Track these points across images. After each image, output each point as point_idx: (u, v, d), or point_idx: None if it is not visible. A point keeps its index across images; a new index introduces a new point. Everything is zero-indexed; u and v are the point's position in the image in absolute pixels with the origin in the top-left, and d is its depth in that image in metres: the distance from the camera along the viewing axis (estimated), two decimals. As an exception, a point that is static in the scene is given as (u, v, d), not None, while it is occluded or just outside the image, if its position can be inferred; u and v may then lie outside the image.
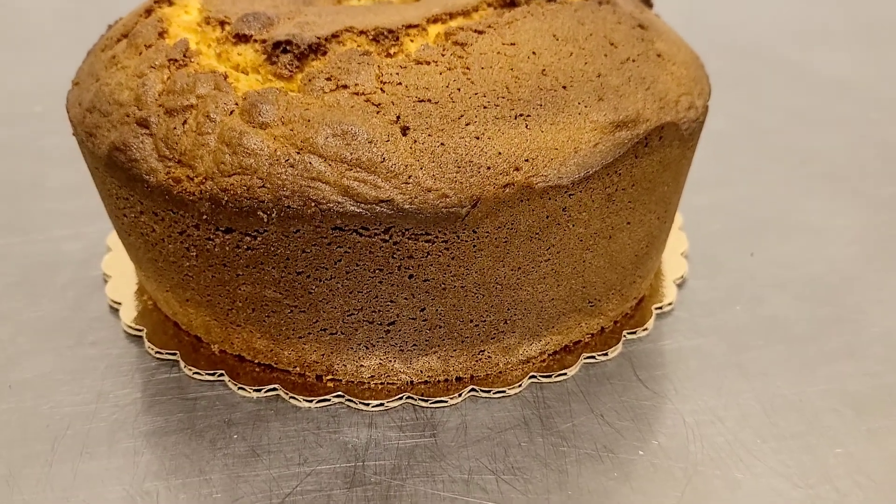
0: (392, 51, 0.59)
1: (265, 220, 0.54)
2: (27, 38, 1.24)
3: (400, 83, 0.56)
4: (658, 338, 0.68)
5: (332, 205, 0.53)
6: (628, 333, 0.68)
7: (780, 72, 1.17)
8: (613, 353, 0.66)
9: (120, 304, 0.71)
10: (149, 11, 0.67)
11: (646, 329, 0.68)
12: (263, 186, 0.53)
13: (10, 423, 0.59)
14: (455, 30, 0.60)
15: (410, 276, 0.56)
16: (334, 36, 0.60)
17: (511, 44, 0.59)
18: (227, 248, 0.57)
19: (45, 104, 1.05)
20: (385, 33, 0.60)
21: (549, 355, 0.65)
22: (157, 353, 0.66)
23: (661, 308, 0.71)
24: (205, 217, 0.56)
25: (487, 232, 0.55)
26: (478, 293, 0.58)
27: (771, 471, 0.56)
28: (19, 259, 0.77)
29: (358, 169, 0.53)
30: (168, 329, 0.68)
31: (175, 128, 0.56)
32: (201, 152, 0.55)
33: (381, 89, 0.56)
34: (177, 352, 0.65)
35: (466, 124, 0.55)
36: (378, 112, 0.55)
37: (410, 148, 0.54)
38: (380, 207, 0.53)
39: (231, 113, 0.56)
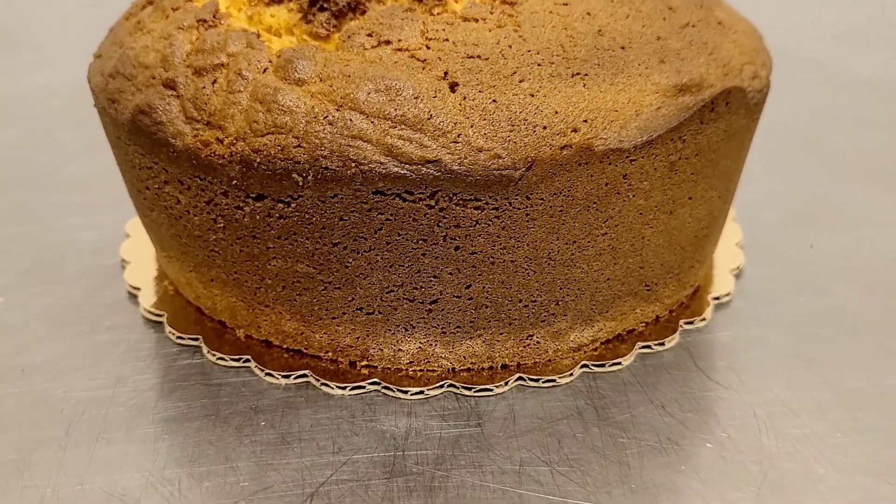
0: (435, 11, 0.56)
1: (300, 183, 0.49)
2: (46, 37, 1.22)
3: (447, 39, 0.52)
4: (716, 328, 0.63)
5: (374, 165, 0.48)
6: (685, 323, 0.62)
7: (817, 73, 1.13)
8: (671, 342, 0.61)
9: (139, 289, 0.66)
10: (176, -22, 0.63)
11: (704, 319, 0.63)
12: (299, 146, 0.49)
13: (21, 407, 0.55)
14: (503, -10, 0.56)
15: (457, 248, 0.52)
16: (374, -6, 0.56)
17: (563, 3, 0.55)
18: (258, 218, 0.53)
19: (62, 100, 1.02)
20: (428, -7, 0.56)
21: (602, 344, 0.60)
22: (178, 338, 0.61)
23: (718, 298, 0.65)
24: (234, 182, 0.51)
25: (542, 199, 0.51)
26: (528, 269, 0.53)
27: (856, 466, 0.50)
28: (31, 247, 0.73)
29: (403, 126, 0.49)
30: (190, 314, 0.63)
31: (204, 87, 0.52)
32: (232, 111, 0.51)
33: (427, 45, 0.52)
34: (199, 337, 0.61)
35: (520, 81, 0.50)
36: (424, 68, 0.51)
37: (460, 105, 0.49)
38: (426, 168, 0.48)
39: (265, 70, 0.52)
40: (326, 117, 0.49)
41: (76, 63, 1.08)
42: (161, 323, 0.63)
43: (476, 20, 0.53)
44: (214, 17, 0.57)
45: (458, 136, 0.49)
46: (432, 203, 0.50)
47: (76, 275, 0.69)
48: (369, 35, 0.52)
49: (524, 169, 0.49)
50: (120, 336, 0.62)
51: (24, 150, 0.91)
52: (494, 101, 0.50)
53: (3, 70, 1.11)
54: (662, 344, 0.60)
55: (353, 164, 0.49)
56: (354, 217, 0.51)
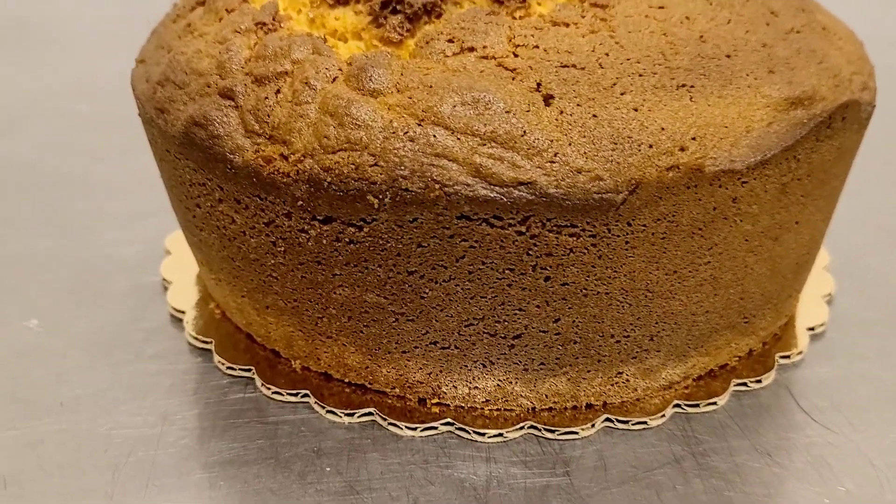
0: (517, 14, 0.50)
1: (376, 205, 0.44)
2: (72, 36, 1.17)
3: (537, 46, 0.47)
4: (814, 363, 0.58)
5: (460, 187, 0.43)
6: (781, 357, 0.57)
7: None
8: (767, 379, 0.55)
9: (183, 312, 0.61)
10: (228, -23, 0.58)
11: (801, 352, 0.58)
12: (376, 164, 0.44)
13: (64, 447, 0.50)
14: (592, -9, 0.51)
15: (547, 279, 0.47)
16: (451, -4, 0.51)
17: (659, 7, 0.50)
18: (325, 242, 0.47)
19: (91, 102, 0.97)
20: (511, -7, 0.50)
21: (694, 380, 0.54)
22: (228, 368, 0.56)
23: (812, 329, 0.60)
24: (300, 203, 0.46)
25: (644, 225, 0.45)
26: (624, 302, 0.48)
27: None
28: (66, 264, 0.68)
29: (493, 144, 0.43)
30: (240, 342, 0.58)
31: (266, 98, 0.47)
32: (299, 125, 0.46)
33: (515, 53, 0.47)
34: (252, 368, 0.56)
35: (621, 93, 0.45)
36: (514, 78, 0.45)
37: (556, 120, 0.44)
38: (518, 191, 0.43)
39: (334, 80, 0.47)
40: (407, 133, 0.44)
41: (104, 62, 1.04)
42: (209, 351, 0.58)
43: (567, 25, 0.48)
44: (274, 19, 0.52)
45: (555, 155, 0.43)
46: (523, 230, 0.45)
47: (115, 295, 0.65)
48: (450, 41, 0.47)
49: (627, 192, 0.44)
50: (165, 365, 0.57)
51: (52, 153, 0.86)
52: (595, 115, 0.44)
53: (29, 67, 1.07)
54: (759, 381, 0.55)
55: (437, 186, 0.43)
56: (434, 244, 0.46)
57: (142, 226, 0.73)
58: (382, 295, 0.48)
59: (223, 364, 0.56)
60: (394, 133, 0.44)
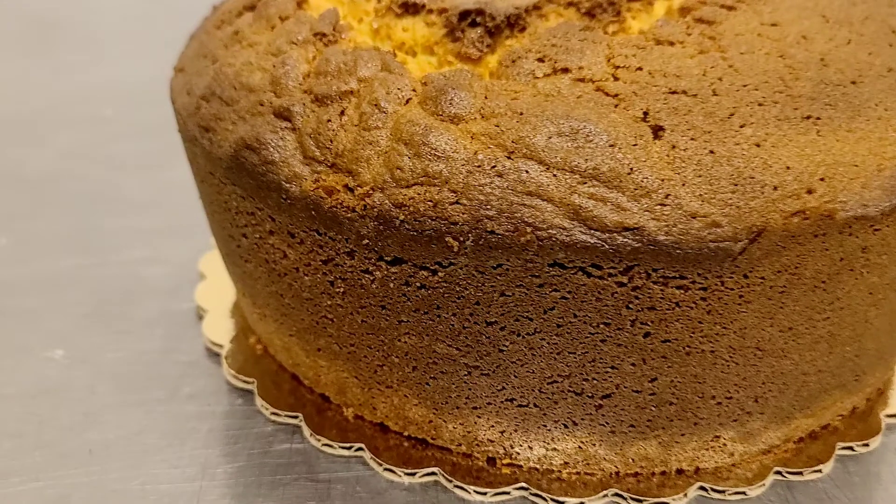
0: (610, 29, 0.44)
1: (456, 248, 0.39)
2: (93, 37, 1.12)
3: (640, 68, 0.41)
4: (923, 421, 0.52)
5: (555, 231, 0.37)
6: (887, 416, 0.51)
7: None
8: (875, 443, 0.49)
9: (221, 346, 0.56)
10: (279, -21, 0.53)
11: (908, 410, 0.52)
12: (457, 202, 0.38)
13: (93, 502, 0.45)
14: (695, 4, 0.45)
15: (646, 335, 0.41)
16: (535, 7, 0.45)
17: (772, 24, 0.44)
18: (391, 286, 0.42)
19: (115, 107, 0.92)
20: (603, 5, 0.45)
21: (794, 443, 0.48)
22: (272, 413, 0.51)
23: (917, 381, 0.54)
24: (366, 242, 0.41)
25: (762, 278, 0.39)
26: (730, 361, 0.42)
27: None
28: (94, 285, 0.63)
29: (595, 182, 0.38)
30: (284, 382, 0.53)
31: (329, 120, 0.42)
32: (367, 153, 0.40)
33: (615, 76, 0.41)
34: (299, 414, 0.50)
35: (741, 126, 0.39)
36: (617, 105, 0.39)
37: (667, 156, 0.38)
38: (623, 238, 0.37)
39: (408, 101, 0.41)
40: (494, 167, 0.38)
41: (135, 63, 0.99)
42: (250, 392, 0.53)
43: (672, 43, 0.42)
44: (335, 30, 0.46)
45: (667, 196, 0.38)
46: (624, 280, 0.39)
47: (146, 322, 0.59)
48: (540, 60, 0.41)
49: (747, 241, 0.38)
50: (203, 407, 0.52)
51: (78, 162, 0.81)
52: (712, 152, 0.38)
53: (55, 69, 1.01)
54: (867, 444, 0.49)
55: (528, 229, 0.38)
56: (520, 293, 0.40)
57: (173, 244, 0.68)
58: (455, 346, 0.43)
59: (267, 409, 0.51)
60: (479, 166, 0.38)
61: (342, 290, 0.44)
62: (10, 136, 0.85)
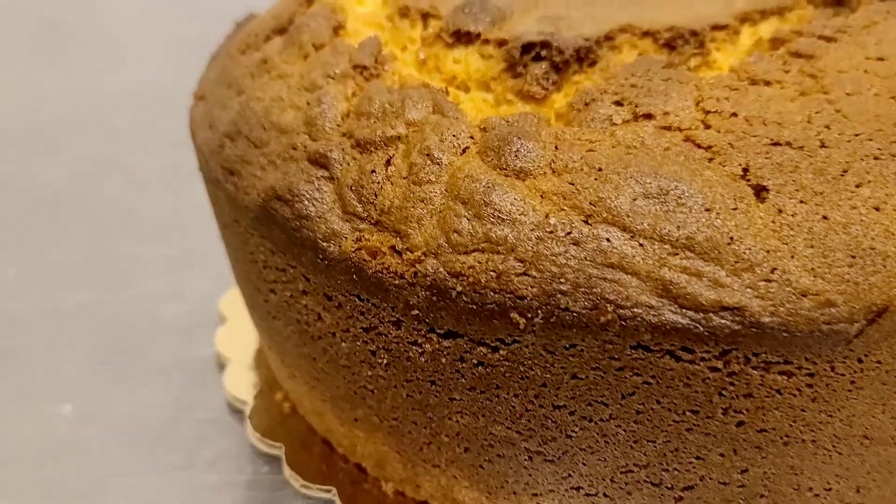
0: (692, 63, 0.39)
1: (522, 326, 0.33)
2: (106, 40, 1.06)
3: (735, 114, 0.35)
4: None
5: (641, 310, 0.32)
6: None
7: None
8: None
9: (245, 403, 0.51)
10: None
11: None
12: (526, 274, 0.33)
13: None
14: (788, 34, 0.39)
15: (740, 424, 0.35)
16: (607, 38, 0.39)
17: (879, 58, 0.38)
18: (444, 361, 0.36)
19: (130, 116, 0.86)
20: (685, 36, 0.39)
21: (890, 529, 0.43)
22: (303, 486, 0.46)
23: None
24: (416, 313, 0.35)
25: (878, 362, 0.34)
26: (833, 450, 0.37)
27: None
28: (106, 325, 0.58)
29: (688, 254, 0.32)
30: (314, 446, 0.48)
31: (373, 171, 0.36)
32: (418, 212, 0.35)
33: (706, 123, 0.35)
34: (332, 488, 0.45)
35: (857, 185, 0.33)
36: (711, 160, 0.34)
37: (773, 222, 0.33)
38: (720, 318, 0.32)
39: (465, 151, 0.36)
40: (569, 233, 0.33)
41: (151, 70, 0.93)
42: (277, 458, 0.48)
43: (768, 83, 0.37)
44: (377, 61, 0.41)
45: (773, 271, 0.32)
46: (719, 365, 0.33)
47: (162, 370, 0.54)
48: (618, 103, 0.36)
49: (865, 322, 0.32)
50: (225, 476, 0.47)
51: (90, 178, 0.76)
52: (825, 217, 0.33)
53: (67, 75, 0.96)
54: (973, 530, 0.43)
55: (610, 308, 0.32)
56: (595, 376, 0.34)
57: (192, 276, 0.63)
58: (515, 429, 0.37)
59: (296, 480, 0.46)
60: (551, 233, 0.33)
61: (385, 360, 0.39)
62: (20, 148, 0.80)
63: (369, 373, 0.40)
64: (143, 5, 1.13)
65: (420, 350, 0.37)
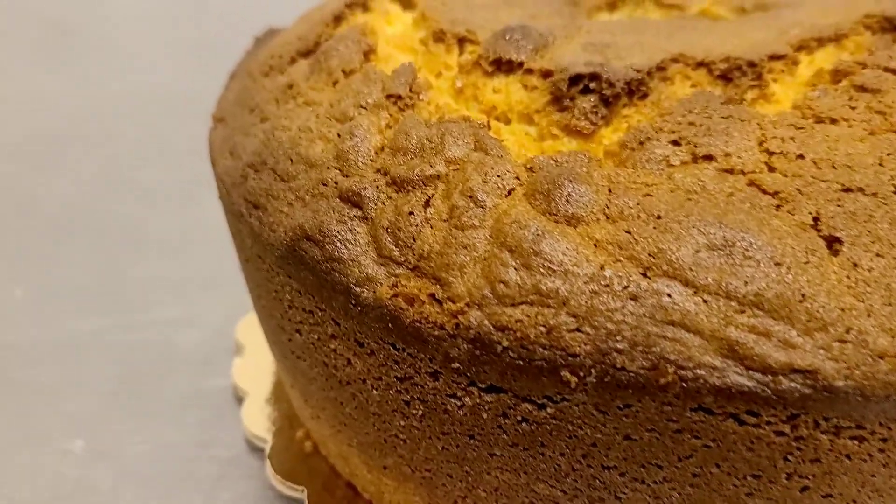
0: (749, 96, 0.36)
1: (573, 384, 0.31)
2: (115, 43, 1.03)
3: (801, 156, 0.33)
4: None
5: (703, 372, 0.30)
6: None
7: None
8: None
9: (264, 441, 0.48)
10: (338, 19, 0.45)
11: None
12: (578, 330, 0.30)
13: None
14: (851, 66, 0.37)
15: (804, 489, 0.33)
16: (658, 68, 0.37)
17: (949, 92, 0.36)
18: (485, 416, 0.34)
19: (141, 125, 0.84)
20: (742, 67, 0.36)
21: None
22: (327, 535, 0.43)
23: None
24: (456, 366, 0.33)
25: (957, 425, 0.31)
26: (900, 514, 0.34)
27: None
28: (118, 355, 0.56)
29: (756, 311, 0.30)
30: (338, 490, 0.46)
31: (411, 213, 0.34)
32: (461, 259, 0.32)
33: (770, 165, 0.33)
34: (358, 538, 0.43)
35: (937, 236, 0.31)
36: (779, 207, 0.31)
37: (848, 277, 0.30)
38: (790, 381, 0.29)
39: (510, 193, 0.33)
40: (626, 287, 0.30)
41: (162, 73, 0.91)
42: (300, 501, 0.45)
43: (834, 121, 0.34)
44: (411, 90, 0.38)
45: (848, 331, 0.29)
46: (786, 430, 0.31)
47: (177, 404, 0.52)
48: (675, 143, 0.33)
49: (947, 385, 0.30)
50: (244, 521, 0.44)
51: (99, 193, 0.73)
52: (904, 272, 0.30)
53: (73, 79, 0.93)
54: None
55: (670, 368, 0.30)
56: (650, 438, 0.32)
57: (208, 300, 0.60)
58: (560, 488, 0.35)
59: (320, 528, 0.43)
60: (607, 286, 0.30)
61: (420, 412, 0.36)
62: (25, 161, 0.78)
63: (402, 422, 0.37)
64: (152, 5, 1.11)
65: (459, 403, 0.35)
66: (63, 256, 0.66)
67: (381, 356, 0.36)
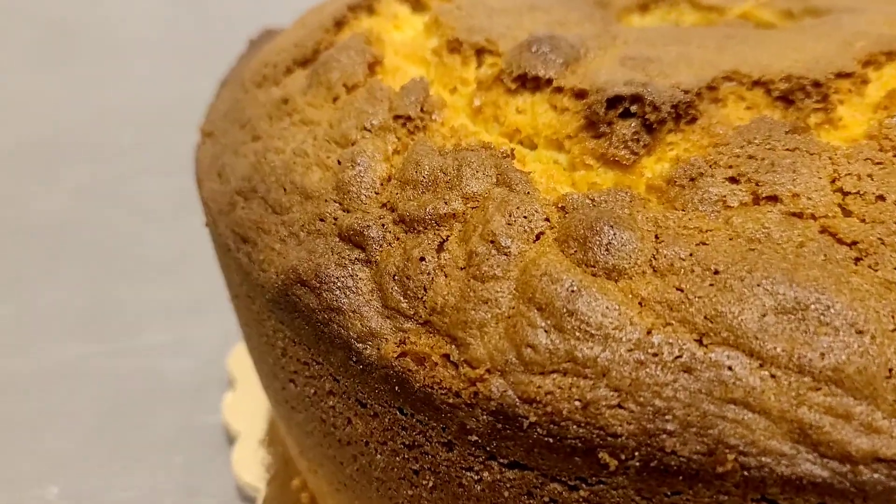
0: (812, 120, 0.31)
1: (613, 468, 0.26)
2: (112, 47, 0.98)
3: (881, 196, 0.28)
4: None
5: (770, 459, 0.25)
6: None
7: None
8: None
9: (257, 490, 0.44)
10: (340, 24, 0.40)
11: None
12: (621, 406, 0.26)
13: None
14: (930, 86, 0.32)
15: (880, 587, 0.28)
16: (709, 88, 0.32)
17: None
18: (507, 495, 0.29)
19: (136, 133, 0.79)
20: (806, 87, 0.31)
21: None
22: None
23: None
24: (474, 438, 0.28)
25: None
26: None
27: None
28: (103, 385, 0.51)
29: (834, 389, 0.25)
30: (337, 549, 0.41)
31: (422, 258, 0.29)
32: (480, 315, 0.28)
33: (845, 207, 0.28)
34: None
35: None
36: (859, 261, 0.27)
37: (944, 348, 0.25)
38: (874, 473, 0.25)
39: (538, 237, 0.28)
40: (679, 357, 0.25)
41: (155, 79, 0.86)
42: (295, 562, 0.41)
43: (915, 153, 0.29)
44: (423, 109, 0.33)
45: (944, 414, 0.25)
46: (862, 525, 0.26)
47: (164, 443, 0.48)
48: (733, 180, 0.28)
49: None
50: (234, 585, 0.40)
51: (91, 206, 0.69)
52: None
53: (71, 84, 0.89)
54: None
55: (730, 454, 0.25)
56: (702, 530, 0.27)
57: (199, 325, 0.56)
58: (591, 576, 0.30)
59: None
60: (655, 355, 0.26)
61: (431, 483, 0.31)
62: (16, 170, 0.73)
63: (409, 492, 0.33)
64: (152, 7, 1.06)
65: (476, 478, 0.30)
66: (46, 274, 0.61)
67: (387, 420, 0.31)
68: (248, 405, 0.48)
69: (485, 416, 0.28)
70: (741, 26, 0.40)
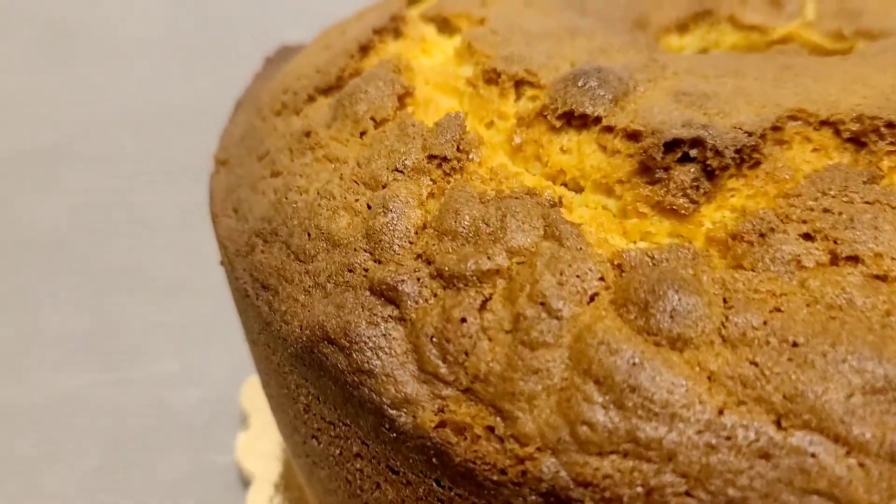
0: (885, 164, 0.29)
1: (679, 561, 0.23)
2: (114, 47, 0.95)
3: (974, 259, 0.25)
4: None
5: (858, 558, 0.22)
6: None
7: None
8: None
9: (273, 540, 0.41)
10: (365, 49, 0.37)
11: None
12: (689, 495, 0.23)
13: None
14: None
15: None
16: (774, 128, 0.29)
17: None
18: (554, 577, 0.27)
19: (139, 138, 0.76)
20: (879, 129, 0.29)
21: None
22: None
23: None
24: (521, 519, 0.26)
25: None
26: None
27: None
28: (104, 420, 0.49)
29: (931, 481, 0.22)
30: None
31: (463, 319, 0.26)
32: (529, 387, 0.25)
33: (933, 270, 0.25)
34: None
35: None
36: (954, 333, 0.24)
37: None
38: (974, 574, 0.22)
39: (592, 299, 0.26)
40: (755, 441, 0.23)
41: (158, 81, 0.83)
42: None
43: None
44: (459, 149, 0.31)
45: None
46: None
47: (172, 486, 0.45)
48: (807, 236, 0.26)
49: None
50: None
51: (92, 218, 0.66)
52: None
53: (72, 84, 0.86)
54: None
55: (813, 553, 0.22)
56: None
57: (209, 353, 0.53)
58: None
59: None
60: (727, 438, 0.23)
61: (469, 558, 0.29)
62: (14, 178, 0.71)
63: (445, 564, 0.30)
64: (152, 7, 1.03)
65: (521, 557, 0.27)
66: (45, 295, 0.58)
67: (421, 490, 0.29)
68: (263, 444, 0.46)
69: (534, 497, 0.25)
70: (796, 54, 0.37)
